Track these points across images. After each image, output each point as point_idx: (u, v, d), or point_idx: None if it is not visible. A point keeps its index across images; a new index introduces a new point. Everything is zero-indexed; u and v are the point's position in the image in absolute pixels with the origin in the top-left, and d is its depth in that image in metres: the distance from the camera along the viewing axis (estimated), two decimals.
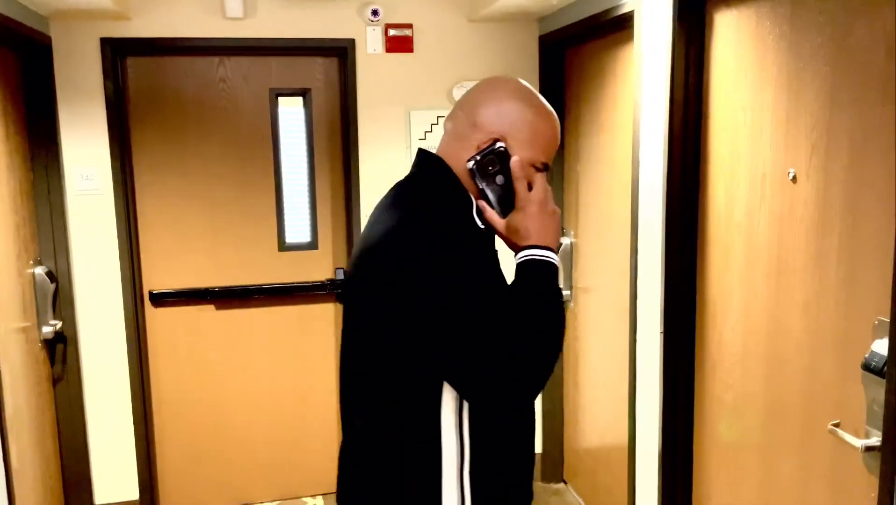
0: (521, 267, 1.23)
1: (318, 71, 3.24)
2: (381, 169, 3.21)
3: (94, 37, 2.94)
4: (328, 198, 3.32)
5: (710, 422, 2.23)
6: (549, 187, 1.28)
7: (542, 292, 1.20)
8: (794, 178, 1.80)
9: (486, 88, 1.30)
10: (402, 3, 3.15)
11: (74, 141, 2.96)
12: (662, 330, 2.32)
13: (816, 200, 1.73)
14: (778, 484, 1.92)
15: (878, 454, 1.52)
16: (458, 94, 3.20)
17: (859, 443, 1.55)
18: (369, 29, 3.13)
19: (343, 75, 3.19)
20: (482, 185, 1.26)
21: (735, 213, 2.05)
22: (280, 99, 3.24)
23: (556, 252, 1.25)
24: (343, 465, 1.36)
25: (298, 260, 3.33)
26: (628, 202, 2.54)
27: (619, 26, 2.60)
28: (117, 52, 2.99)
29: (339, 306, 3.38)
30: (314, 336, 3.38)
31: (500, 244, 1.31)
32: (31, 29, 2.66)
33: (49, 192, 2.92)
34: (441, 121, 3.23)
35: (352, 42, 3.13)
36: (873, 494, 1.55)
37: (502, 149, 1.25)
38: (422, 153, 1.33)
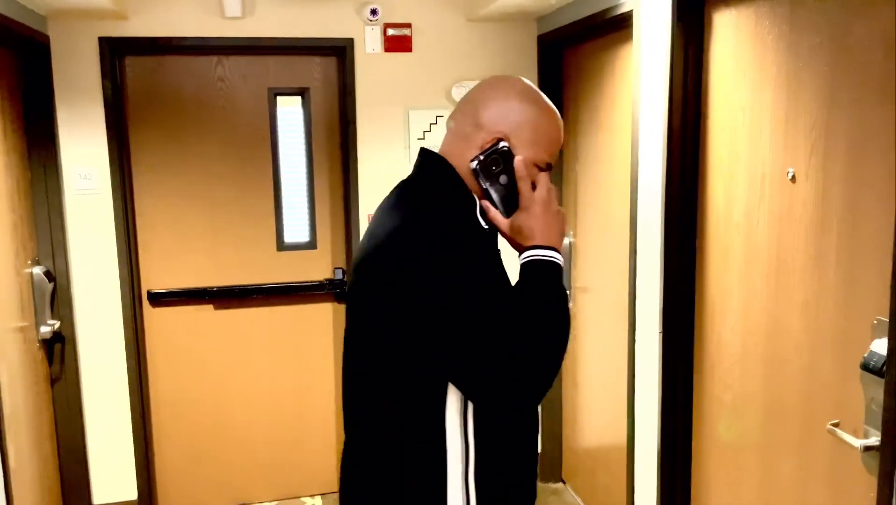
0: (526, 267, 1.22)
1: (317, 70, 3.24)
2: (380, 168, 3.21)
3: (93, 36, 2.93)
4: (327, 197, 3.31)
5: (709, 422, 2.23)
6: (553, 187, 1.27)
7: (547, 292, 1.19)
8: (793, 178, 1.80)
9: (489, 87, 1.29)
10: (401, 3, 3.14)
11: (73, 140, 2.96)
12: (661, 330, 2.32)
13: (815, 200, 1.73)
14: (777, 484, 1.92)
15: (876, 454, 1.52)
16: (456, 93, 3.20)
17: (858, 443, 1.55)
18: (368, 28, 3.13)
19: (342, 75, 3.19)
20: (486, 185, 1.25)
21: (734, 213, 2.05)
22: (279, 98, 3.23)
23: (560, 252, 1.24)
24: (346, 466, 1.35)
25: (297, 260, 3.32)
26: (627, 202, 2.54)
27: (617, 26, 2.60)
28: (116, 52, 2.99)
29: (338, 306, 3.38)
30: (313, 336, 3.38)
31: (504, 244, 1.30)
32: (29, 28, 2.65)
33: (47, 192, 2.91)
34: (440, 120, 3.23)
35: (350, 41, 3.12)
36: (872, 493, 1.55)
37: (506, 148, 1.24)
38: (424, 153, 1.33)
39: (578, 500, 3.32)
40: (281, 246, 3.30)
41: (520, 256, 1.25)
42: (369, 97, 3.17)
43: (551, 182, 1.28)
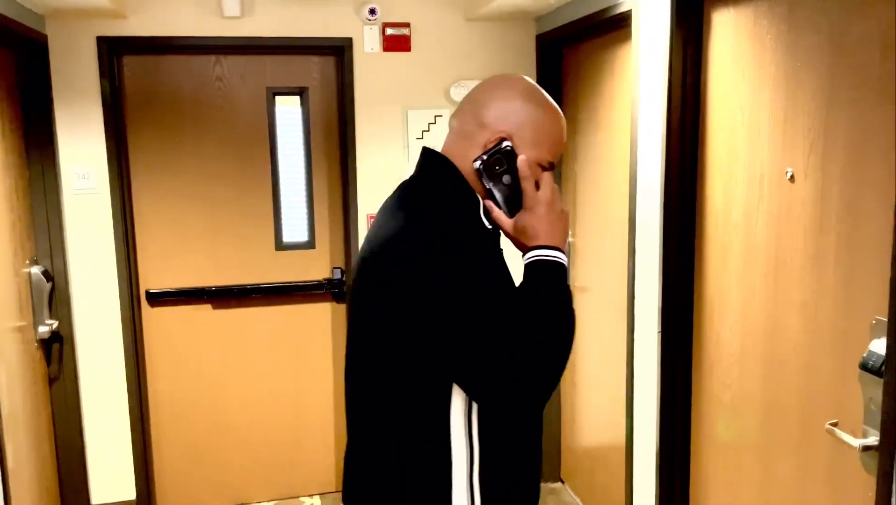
0: (530, 267, 1.22)
1: (315, 70, 3.23)
2: (379, 168, 3.21)
3: (91, 35, 2.93)
4: (325, 197, 3.31)
5: (707, 421, 2.23)
6: (556, 187, 1.27)
7: (551, 292, 1.19)
8: (792, 178, 1.80)
9: (492, 86, 1.28)
10: (400, 2, 3.14)
11: (71, 140, 2.96)
12: (660, 329, 2.32)
13: (814, 200, 1.73)
14: (775, 483, 1.92)
15: (875, 454, 1.52)
16: (455, 93, 3.20)
17: (857, 442, 1.55)
18: (367, 28, 3.13)
19: (340, 74, 3.19)
20: (489, 185, 1.25)
21: (733, 213, 2.05)
22: (277, 98, 3.23)
23: (564, 252, 1.24)
24: (349, 467, 1.35)
25: (296, 259, 3.32)
26: (626, 201, 2.54)
27: (616, 25, 2.60)
28: (114, 51, 2.98)
29: (337, 306, 3.38)
30: (311, 336, 3.38)
31: (507, 244, 1.30)
32: (27, 27, 2.65)
33: (45, 191, 2.91)
34: (439, 120, 3.23)
35: (349, 41, 3.12)
36: (871, 493, 1.55)
37: (509, 148, 1.23)
38: (426, 152, 1.31)
39: (577, 499, 3.32)
40: (279, 246, 3.30)
41: (523, 256, 1.24)
42: (368, 97, 3.17)
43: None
